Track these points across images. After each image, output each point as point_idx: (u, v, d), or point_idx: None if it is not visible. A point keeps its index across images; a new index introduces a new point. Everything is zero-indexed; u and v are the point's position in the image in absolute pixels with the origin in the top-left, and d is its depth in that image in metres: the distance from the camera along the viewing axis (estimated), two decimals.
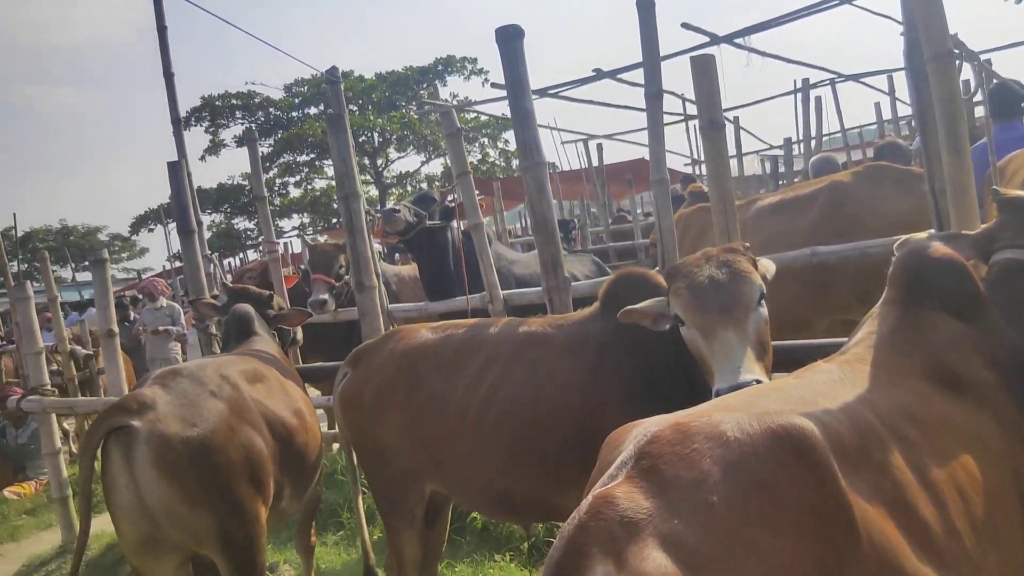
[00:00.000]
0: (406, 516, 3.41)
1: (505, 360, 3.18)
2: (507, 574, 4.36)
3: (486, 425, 3.11)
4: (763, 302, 2.53)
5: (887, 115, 13.29)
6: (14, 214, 33.75)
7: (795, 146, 12.54)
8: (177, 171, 5.64)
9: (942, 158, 2.85)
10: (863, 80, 13.70)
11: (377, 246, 12.91)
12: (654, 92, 4.24)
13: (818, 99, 11.67)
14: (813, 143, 11.47)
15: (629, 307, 2.71)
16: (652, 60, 4.29)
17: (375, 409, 3.39)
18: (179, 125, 8.09)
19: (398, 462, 3.36)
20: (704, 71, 3.28)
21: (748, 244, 2.75)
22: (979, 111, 7.71)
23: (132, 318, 11.96)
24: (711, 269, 2.51)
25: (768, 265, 2.81)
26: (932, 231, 2.48)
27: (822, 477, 1.54)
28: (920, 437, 1.85)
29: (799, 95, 12.43)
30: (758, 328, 2.47)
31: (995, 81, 5.15)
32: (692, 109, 16.15)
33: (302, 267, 7.92)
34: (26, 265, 32.34)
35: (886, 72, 13.34)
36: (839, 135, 14.69)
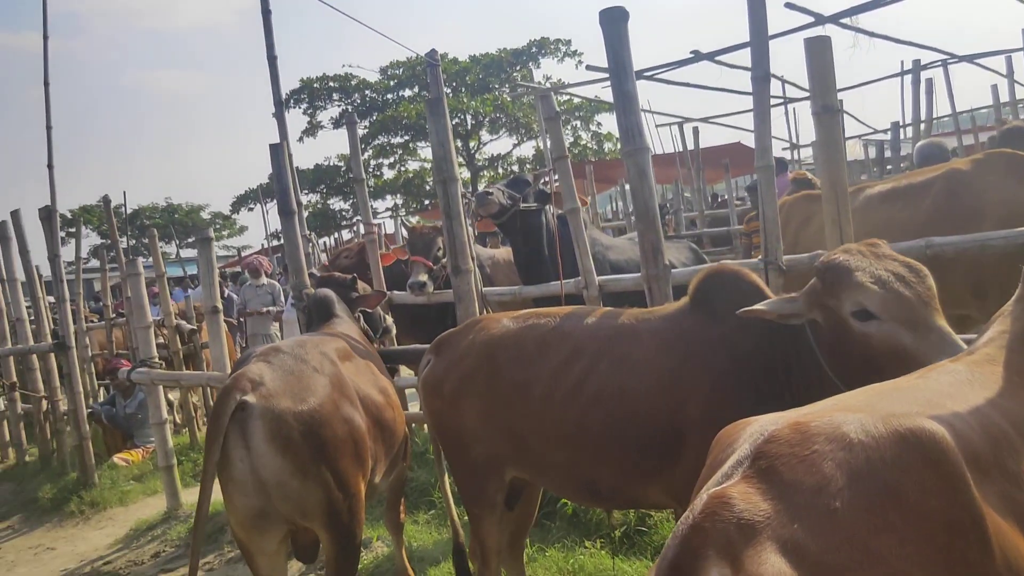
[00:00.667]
0: (487, 503, 3.44)
1: (591, 354, 3.15)
2: (597, 560, 4.33)
3: (571, 416, 3.11)
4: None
5: (1004, 97, 12.61)
6: (124, 192, 35.31)
7: (903, 130, 12.03)
8: (278, 153, 5.75)
9: None
10: (978, 61, 13.05)
11: (471, 230, 13.02)
12: (762, 75, 4.10)
13: (929, 81, 11.15)
14: (922, 127, 10.97)
15: (750, 308, 2.67)
16: (760, 42, 4.14)
17: (456, 397, 3.42)
18: (281, 107, 8.26)
19: (478, 449, 3.39)
20: (819, 53, 3.14)
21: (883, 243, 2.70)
22: None
23: (226, 294, 12.33)
24: (893, 265, 2.53)
25: None
26: None
27: (954, 486, 1.46)
28: None
29: (908, 77, 11.90)
30: None
31: None
32: (792, 92, 15.72)
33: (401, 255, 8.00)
34: (134, 241, 33.82)
35: (1005, 52, 12.67)
36: (949, 119, 14.05)
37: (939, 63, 12.80)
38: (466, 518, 4.10)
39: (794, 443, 1.49)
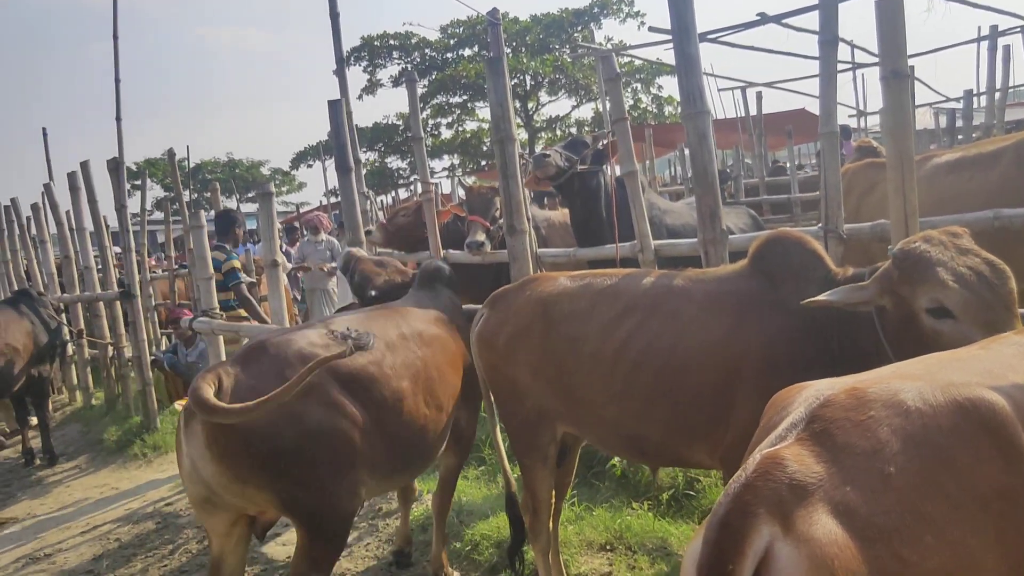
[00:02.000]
0: (539, 455, 3.50)
1: (643, 310, 3.17)
2: (645, 522, 4.37)
3: (621, 372, 3.13)
4: None
5: None
6: (187, 146, 35.89)
7: (976, 99, 11.63)
8: (337, 110, 5.80)
9: None
10: None
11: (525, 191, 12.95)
12: (829, 39, 4.01)
13: (1007, 48, 10.74)
14: (997, 96, 10.59)
15: (815, 299, 2.62)
16: (828, 4, 4.05)
17: (510, 350, 3.46)
18: (342, 64, 8.30)
19: (531, 403, 3.43)
20: (890, 15, 3.05)
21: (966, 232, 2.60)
22: None
23: (282, 248, 12.52)
24: (975, 261, 2.43)
25: None
26: None
27: (1009, 456, 1.46)
28: None
29: (985, 43, 11.47)
30: None
31: None
32: (861, 57, 15.26)
33: (458, 212, 8.04)
34: (196, 195, 34.46)
35: None
36: None
37: (1018, 29, 12.30)
38: (517, 473, 4.18)
39: (850, 408, 1.50)
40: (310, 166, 36.18)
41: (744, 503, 1.36)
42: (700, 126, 3.79)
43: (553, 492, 3.70)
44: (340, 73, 8.33)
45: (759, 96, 14.55)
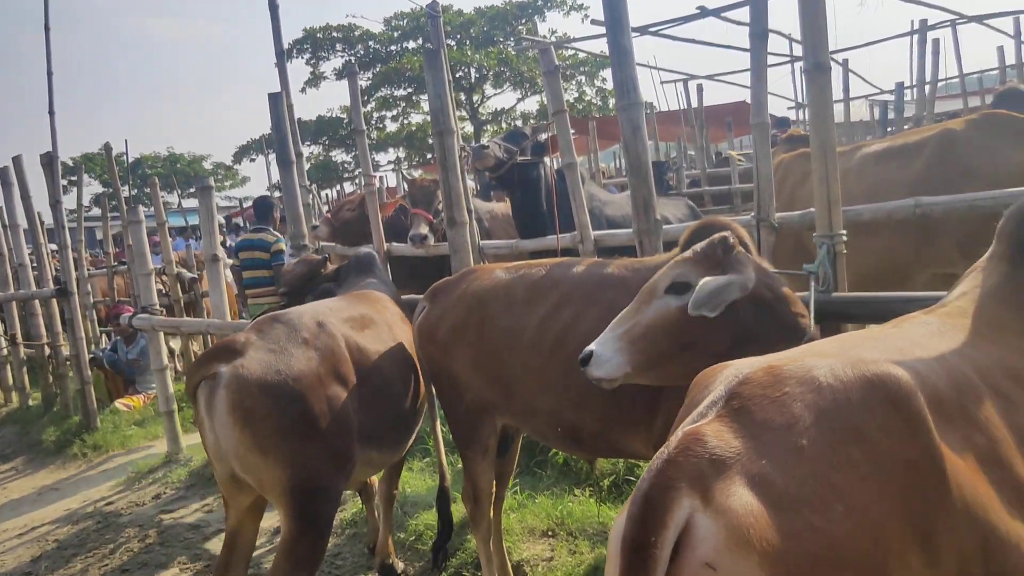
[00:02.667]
0: (480, 447, 3.53)
1: (579, 301, 3.22)
2: (586, 508, 4.45)
3: (557, 363, 3.17)
4: (686, 296, 2.52)
5: (1011, 60, 12.52)
6: (125, 140, 35.10)
7: (907, 91, 11.96)
8: (277, 103, 5.76)
9: None
10: (987, 22, 12.92)
11: (471, 183, 13.01)
12: (759, 32, 4.11)
13: (936, 41, 11.07)
14: (927, 89, 10.91)
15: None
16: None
17: (449, 344, 3.49)
18: (283, 57, 8.21)
19: (471, 396, 3.47)
20: (811, 10, 3.15)
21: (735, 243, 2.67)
22: None
23: (227, 244, 12.35)
24: None
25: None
26: None
27: (915, 428, 1.53)
28: (1020, 395, 1.81)
29: (915, 37, 11.80)
30: None
31: None
32: (799, 50, 15.58)
33: (401, 202, 8.04)
34: (136, 190, 33.76)
35: (1014, 13, 12.54)
36: (957, 80, 13.94)
37: (948, 23, 12.69)
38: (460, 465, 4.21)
39: (767, 385, 1.56)
40: (253, 160, 35.77)
41: (666, 478, 1.41)
42: (634, 117, 3.86)
43: (494, 482, 3.75)
44: (280, 65, 8.24)
45: (700, 88, 14.76)
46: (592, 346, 2.50)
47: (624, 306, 3.14)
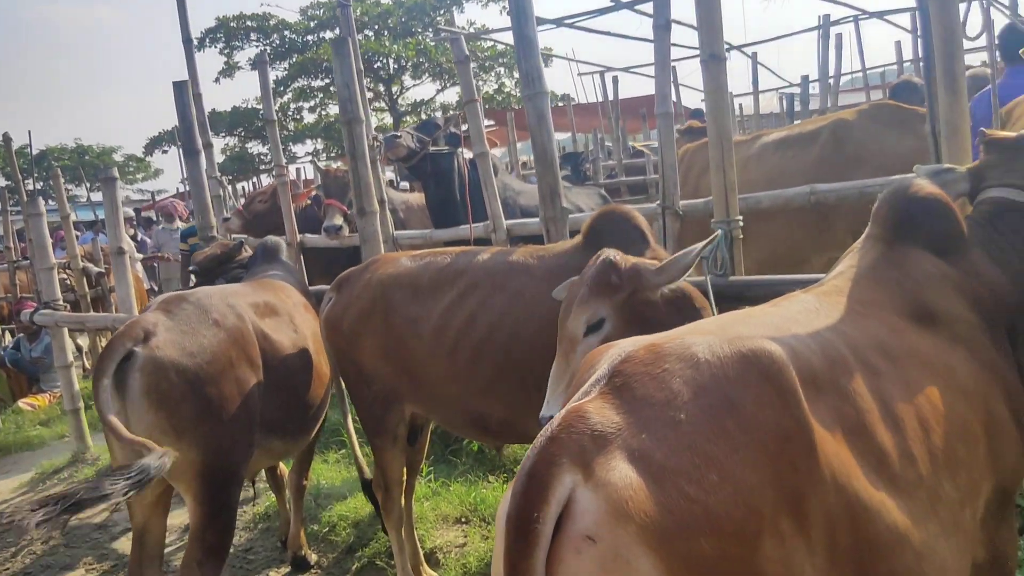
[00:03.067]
0: (388, 436, 3.55)
1: (485, 288, 3.26)
2: (499, 495, 4.50)
3: (464, 350, 3.21)
4: (599, 332, 2.53)
5: (908, 55, 13.03)
6: (29, 132, 33.66)
7: (813, 85, 12.33)
8: (183, 91, 5.64)
9: (939, 97, 2.86)
10: (887, 18, 13.39)
11: (390, 174, 12.91)
12: (663, 23, 4.21)
13: (839, 36, 11.46)
14: (831, 82, 11.28)
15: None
16: None
17: (355, 334, 3.49)
18: (190, 45, 7.99)
19: (378, 385, 3.48)
20: (707, 2, 3.25)
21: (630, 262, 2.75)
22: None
23: (139, 238, 12.03)
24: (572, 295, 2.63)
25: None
26: (918, 165, 2.49)
27: (786, 400, 1.60)
28: (888, 368, 1.91)
29: (819, 32, 12.17)
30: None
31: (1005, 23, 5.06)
32: None
33: (314, 192, 7.96)
34: (41, 183, 32.44)
35: (910, 10, 13.02)
36: (861, 75, 14.42)
37: (850, 19, 13.10)
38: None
39: (648, 362, 1.61)
40: (165, 152, 34.66)
41: (548, 454, 1.45)
42: (539, 107, 3.91)
43: (405, 470, 3.76)
44: (188, 53, 8.02)
45: (615, 80, 14.92)
46: (545, 411, 2.49)
47: (529, 292, 3.20)
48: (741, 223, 3.51)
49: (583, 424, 1.48)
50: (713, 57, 3.26)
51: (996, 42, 4.22)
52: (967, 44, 3.43)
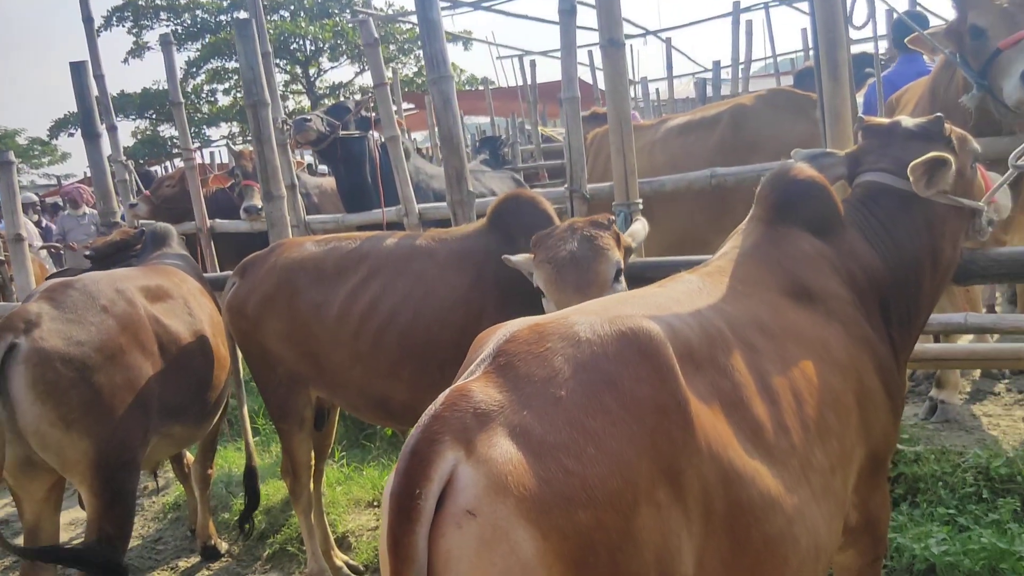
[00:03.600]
0: (295, 419, 3.54)
1: (388, 272, 3.27)
2: None
3: (367, 334, 3.22)
4: (621, 278, 2.62)
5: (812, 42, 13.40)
6: None
7: (725, 71, 12.61)
8: (80, 72, 5.45)
9: (823, 84, 2.98)
10: (795, 5, 13.76)
11: (309, 158, 12.72)
12: (568, 8, 4.25)
13: (749, 23, 11.72)
14: (741, 68, 11.55)
15: (508, 256, 2.81)
16: None
17: (259, 318, 3.47)
18: (90, 24, 7.72)
19: (283, 369, 3.47)
20: None
21: (613, 217, 2.85)
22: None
23: (44, 224, 11.61)
24: (573, 244, 2.61)
25: (638, 231, 2.90)
26: (797, 150, 2.60)
27: (663, 377, 1.66)
28: (766, 344, 2.00)
29: (731, 18, 12.43)
30: None
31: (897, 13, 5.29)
32: (630, 29, 16.10)
33: (234, 171, 7.77)
34: None
35: None
36: (772, 61, 14.81)
37: (761, 6, 13.42)
38: None
39: (531, 341, 1.66)
40: (71, 135, 33.37)
41: (431, 432, 1.48)
42: (444, 90, 3.91)
43: (312, 454, 3.76)
44: (88, 32, 7.75)
45: (532, 64, 14.98)
46: None
47: (431, 275, 3.23)
48: (641, 206, 3.59)
49: (466, 402, 1.52)
50: (612, 42, 3.33)
51: (887, 32, 4.40)
52: (856, 34, 3.58)
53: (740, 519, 1.70)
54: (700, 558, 1.64)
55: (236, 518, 4.51)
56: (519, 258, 2.79)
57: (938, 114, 2.48)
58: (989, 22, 3.37)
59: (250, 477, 3.90)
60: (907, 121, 2.54)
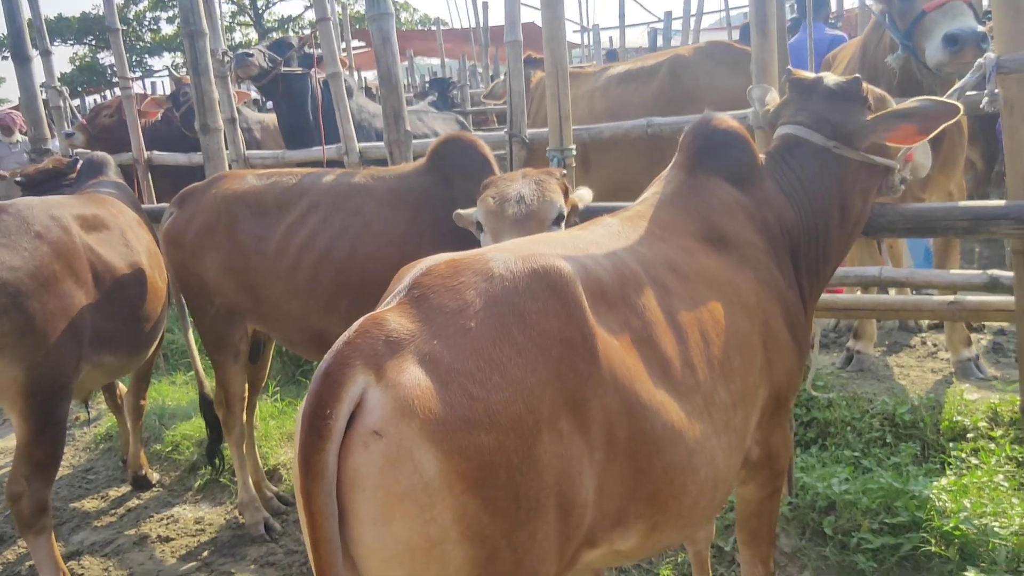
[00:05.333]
0: (230, 352, 3.57)
1: (326, 208, 3.29)
2: None
3: (304, 268, 3.26)
4: (560, 224, 2.66)
5: None
6: None
7: (676, 22, 12.62)
8: None
9: (752, 38, 3.04)
10: None
11: (253, 94, 12.51)
12: None
13: None
14: (693, 20, 11.58)
15: (460, 211, 2.82)
16: None
17: (197, 248, 3.47)
18: None
19: (220, 300, 3.49)
20: None
21: (564, 172, 2.89)
22: None
23: None
24: (520, 186, 2.66)
25: (584, 195, 2.95)
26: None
27: (570, 312, 1.74)
28: (678, 286, 2.09)
29: None
30: None
31: None
32: None
33: (176, 96, 7.58)
34: None
35: None
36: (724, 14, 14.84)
37: None
38: None
39: (446, 275, 1.72)
40: (5, 58, 32.08)
41: (343, 356, 1.54)
42: (384, 28, 3.89)
43: (247, 387, 3.80)
44: None
45: (485, 7, 14.81)
46: None
47: (368, 211, 3.27)
48: (574, 152, 3.65)
49: (378, 330, 1.58)
50: None
51: None
52: None
53: (643, 448, 1.79)
54: (601, 484, 1.73)
55: (168, 449, 4.55)
56: (468, 212, 2.82)
57: (856, 75, 2.56)
58: None
59: (205, 406, 3.91)
60: (829, 79, 2.62)
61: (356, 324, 1.61)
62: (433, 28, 20.84)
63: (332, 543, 1.50)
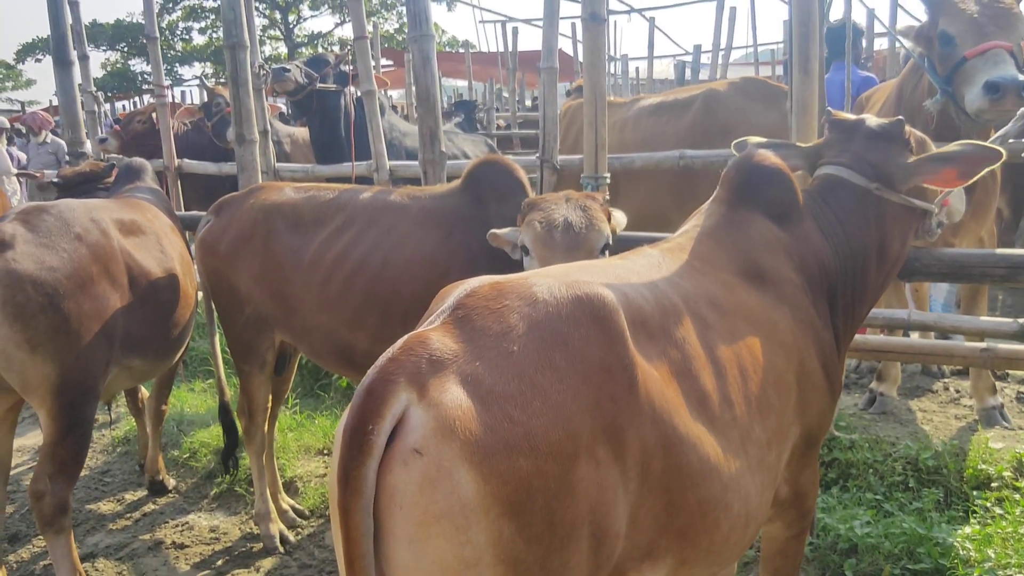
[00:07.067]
0: (257, 361, 3.58)
1: (361, 223, 3.32)
2: None
3: (335, 282, 3.28)
4: (607, 252, 2.68)
5: None
6: None
7: (705, 55, 12.67)
8: None
9: (793, 77, 3.05)
10: None
11: (282, 106, 12.62)
12: None
13: (733, 10, 11.80)
14: (721, 55, 11.63)
15: (495, 231, 2.84)
16: None
17: (232, 256, 3.50)
18: None
19: (251, 309, 3.50)
20: None
21: (608, 196, 2.90)
22: None
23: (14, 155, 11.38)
24: (567, 211, 2.67)
25: (620, 218, 2.97)
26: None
27: (612, 340, 1.74)
28: (716, 320, 2.08)
29: (716, 4, 12.48)
30: None
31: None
32: (615, 5, 16.08)
33: (208, 106, 7.65)
34: None
35: None
36: (752, 50, 14.89)
37: None
38: None
39: (490, 298, 1.72)
40: (39, 60, 32.57)
41: (387, 373, 1.55)
42: (424, 49, 3.92)
43: (270, 398, 3.80)
44: None
45: (515, 31, 14.93)
46: None
47: (402, 229, 3.29)
48: (608, 180, 3.66)
49: (422, 348, 1.59)
50: (593, 17, 3.37)
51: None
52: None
53: (678, 482, 1.78)
54: (634, 515, 1.72)
55: (186, 456, 4.56)
56: (504, 232, 2.82)
57: (899, 117, 2.56)
58: (958, 30, 3.47)
59: (224, 412, 3.92)
60: (871, 120, 2.63)
61: (400, 341, 1.62)
62: (461, 51, 20.99)
63: (366, 559, 1.49)
